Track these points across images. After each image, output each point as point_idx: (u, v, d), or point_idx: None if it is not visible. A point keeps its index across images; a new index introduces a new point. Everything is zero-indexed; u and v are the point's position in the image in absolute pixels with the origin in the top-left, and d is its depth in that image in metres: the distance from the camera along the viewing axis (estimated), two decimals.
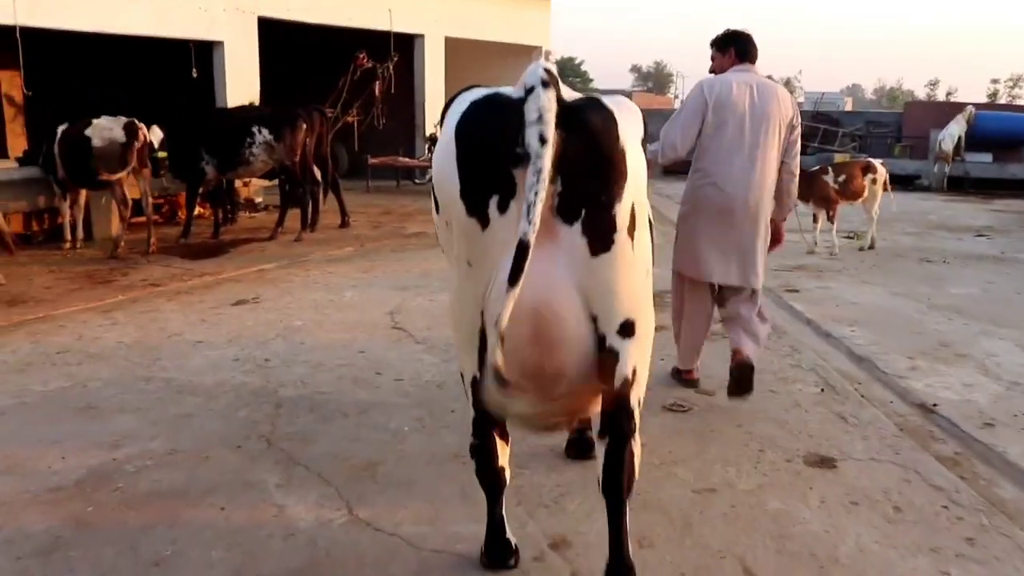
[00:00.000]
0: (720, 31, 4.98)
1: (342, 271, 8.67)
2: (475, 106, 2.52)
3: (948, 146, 18.49)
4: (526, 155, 2.28)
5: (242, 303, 7.25)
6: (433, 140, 17.09)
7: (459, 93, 2.71)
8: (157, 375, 5.35)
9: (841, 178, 9.93)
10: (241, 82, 13.93)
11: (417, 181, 17.33)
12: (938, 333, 6.47)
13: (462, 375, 2.90)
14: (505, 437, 2.95)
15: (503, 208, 2.41)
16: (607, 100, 2.57)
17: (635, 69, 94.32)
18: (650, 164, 3.18)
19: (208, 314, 6.89)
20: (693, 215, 4.81)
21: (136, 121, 8.90)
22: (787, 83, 73.96)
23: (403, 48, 17.54)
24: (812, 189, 9.52)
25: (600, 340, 2.55)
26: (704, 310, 4.98)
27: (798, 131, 4.79)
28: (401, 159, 16.30)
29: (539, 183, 2.24)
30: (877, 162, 10.41)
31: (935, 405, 4.86)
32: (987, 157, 19.34)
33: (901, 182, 17.04)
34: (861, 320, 6.80)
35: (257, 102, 13.56)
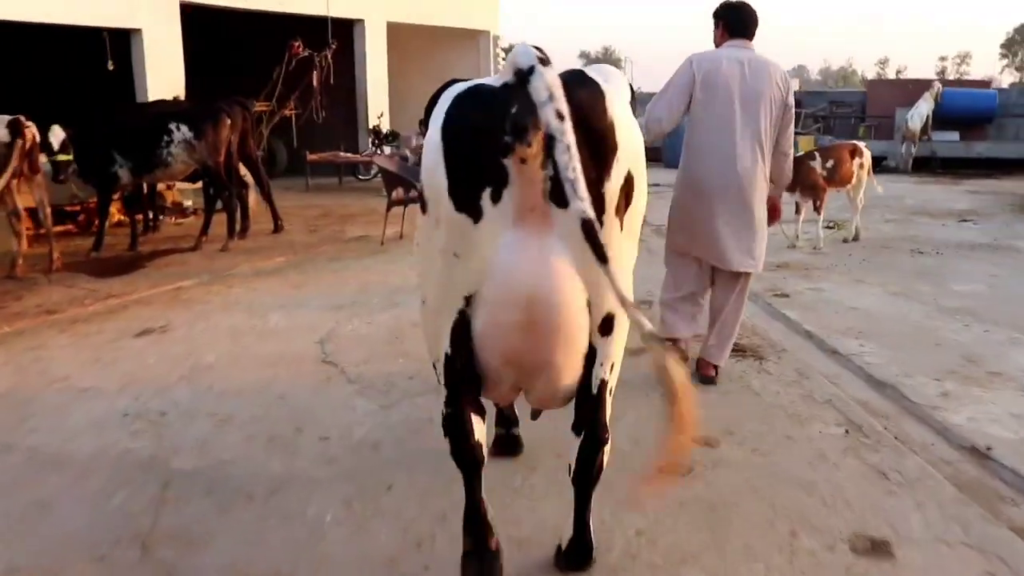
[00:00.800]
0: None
1: (270, 287, 7.58)
2: (458, 100, 2.44)
3: (916, 125, 17.82)
4: (523, 142, 2.15)
5: (147, 333, 6.14)
6: (377, 133, 15.98)
7: (442, 89, 2.68)
8: (21, 442, 4.24)
9: (829, 163, 9.05)
10: (163, 74, 12.70)
11: (361, 177, 16.22)
12: (959, 345, 5.58)
13: (434, 365, 2.81)
14: (480, 412, 2.78)
15: (496, 199, 2.32)
16: (592, 72, 2.50)
17: (584, 55, 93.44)
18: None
19: (104, 350, 5.77)
20: (685, 194, 4.73)
21: (22, 119, 7.68)
22: None
23: (342, 35, 16.39)
24: (799, 176, 8.58)
25: (589, 333, 2.52)
26: (696, 282, 4.86)
27: (792, 110, 4.63)
28: (343, 154, 15.15)
29: (572, 158, 2.11)
30: (862, 144, 9.53)
31: (989, 448, 3.94)
32: (954, 136, 18.72)
33: None
34: (867, 330, 5.89)
35: (182, 96, 12.33)
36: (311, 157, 14.82)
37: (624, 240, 2.54)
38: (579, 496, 2.85)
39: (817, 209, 9.10)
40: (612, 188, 2.39)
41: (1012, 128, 19.38)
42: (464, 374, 2.61)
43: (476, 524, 2.83)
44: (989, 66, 66.73)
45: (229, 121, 9.28)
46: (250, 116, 10.15)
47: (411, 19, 17.57)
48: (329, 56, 15.82)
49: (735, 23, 4.63)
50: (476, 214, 2.35)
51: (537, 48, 2.21)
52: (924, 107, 17.80)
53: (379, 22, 17.05)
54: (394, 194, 9.34)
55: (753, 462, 3.82)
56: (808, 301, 6.79)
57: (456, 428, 2.74)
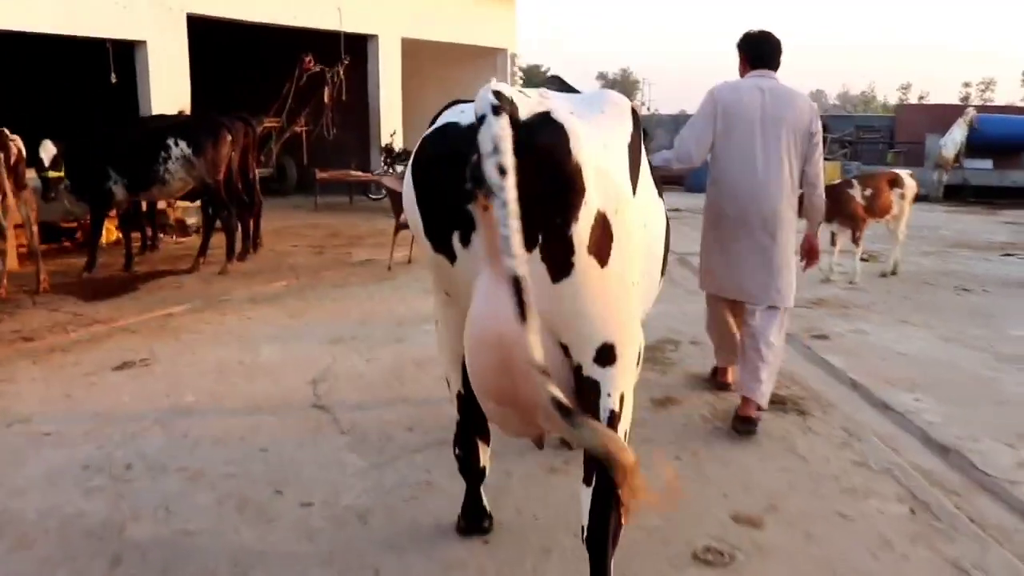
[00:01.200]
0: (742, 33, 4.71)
1: (266, 315, 7.05)
2: (428, 140, 2.47)
3: (950, 152, 17.19)
4: (482, 190, 2.14)
5: (127, 366, 5.61)
6: (389, 151, 15.50)
7: (442, 110, 2.62)
8: None
9: (867, 192, 8.45)
10: (168, 88, 12.18)
11: (372, 196, 15.71)
12: None
13: (448, 382, 2.97)
14: (486, 440, 3.11)
15: (465, 242, 2.35)
16: (563, 108, 2.38)
17: (601, 76, 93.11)
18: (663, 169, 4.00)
19: (78, 384, 5.25)
20: (710, 227, 4.67)
21: (6, 132, 7.21)
22: None
23: (355, 50, 15.95)
24: (837, 205, 8.04)
25: (576, 370, 2.50)
26: (726, 328, 4.94)
27: (818, 139, 4.49)
28: (353, 172, 14.64)
29: (508, 215, 2.09)
30: (905, 174, 8.92)
31: None
32: (987, 163, 18.08)
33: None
34: (920, 381, 5.29)
35: (188, 111, 11.86)
36: (320, 175, 14.35)
37: (612, 279, 2.44)
38: (595, 564, 2.64)
39: (855, 240, 8.50)
40: (580, 229, 2.32)
41: None
42: (474, 410, 2.74)
43: (473, 509, 3.30)
44: (1012, 92, 65.67)
45: (230, 137, 8.79)
46: (253, 132, 9.64)
47: (426, 36, 17.13)
48: (341, 72, 15.39)
49: (757, 54, 4.60)
50: (450, 255, 2.40)
51: (497, 94, 2.15)
52: (958, 133, 17.18)
53: (393, 38, 16.61)
54: (401, 217, 8.82)
55: (804, 550, 3.24)
56: (850, 345, 6.19)
57: (464, 451, 3.10)
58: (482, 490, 3.30)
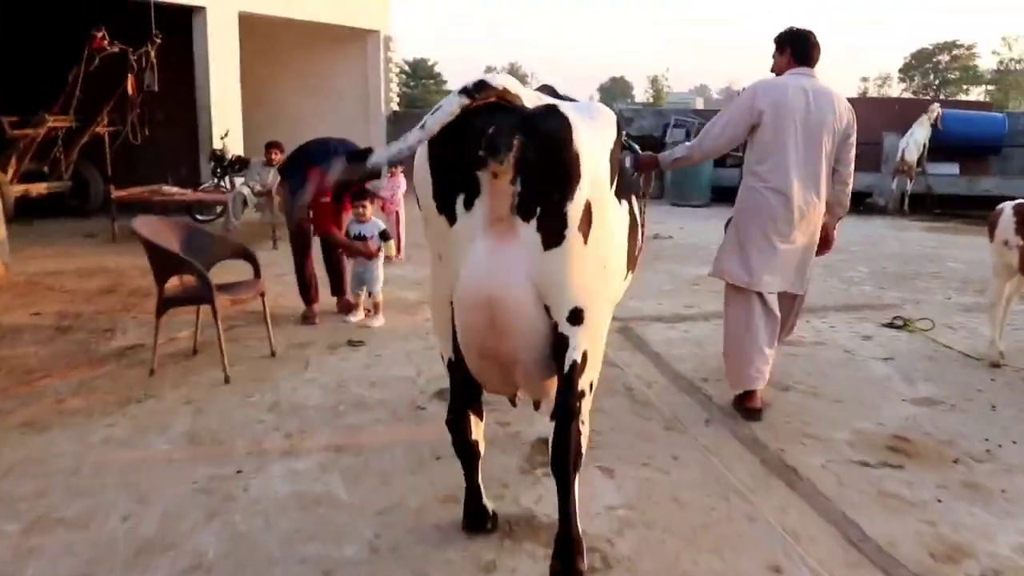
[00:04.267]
0: (782, 29, 4.74)
1: None
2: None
3: (912, 155, 14.40)
4: (496, 158, 2.44)
5: None
6: (220, 159, 11.66)
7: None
8: None
9: None
10: None
11: (200, 218, 11.79)
12: None
13: (441, 355, 3.13)
14: (479, 414, 3.21)
15: (468, 206, 2.62)
16: (567, 107, 2.68)
17: (489, 70, 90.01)
18: (684, 160, 4.75)
19: None
20: (746, 222, 4.63)
21: None
22: (654, 81, 71.08)
23: (177, 27, 12.12)
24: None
25: (553, 327, 2.75)
26: (755, 318, 4.62)
27: (853, 139, 4.60)
28: (167, 188, 10.76)
29: (421, 132, 2.47)
30: None
31: None
32: (953, 168, 15.38)
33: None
34: None
35: None
36: (116, 194, 10.43)
37: (590, 255, 2.74)
38: (560, 483, 2.90)
39: None
40: (575, 208, 2.63)
41: (1019, 160, 16.17)
42: (466, 379, 3.02)
43: (474, 505, 3.32)
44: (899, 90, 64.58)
45: None
46: None
47: (271, 10, 13.37)
48: (152, 54, 11.46)
49: (802, 51, 4.60)
50: (452, 217, 2.67)
51: (481, 82, 2.50)
52: (920, 133, 14.40)
53: (227, 12, 12.77)
54: (169, 285, 5.12)
55: None
56: None
57: (458, 429, 3.15)
58: (481, 484, 3.29)
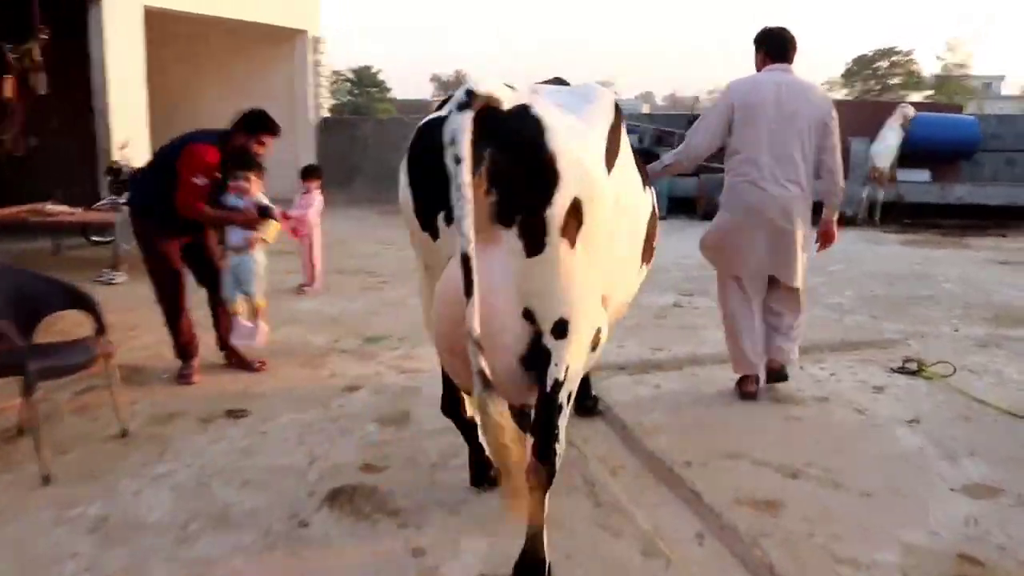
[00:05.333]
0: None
1: None
2: (420, 130, 2.68)
3: (885, 162, 13.41)
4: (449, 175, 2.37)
5: None
6: (116, 173, 10.24)
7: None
8: None
9: None
10: None
11: (95, 239, 10.36)
12: None
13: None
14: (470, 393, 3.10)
15: (449, 221, 2.52)
16: (546, 104, 2.62)
17: (435, 78, 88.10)
18: (674, 167, 4.86)
19: None
20: (726, 213, 4.84)
21: None
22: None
23: (71, 22, 10.69)
24: None
25: (536, 336, 2.66)
26: (747, 305, 4.86)
27: (832, 126, 4.67)
28: (51, 207, 9.29)
29: (463, 198, 2.34)
30: None
31: None
32: (924, 175, 14.45)
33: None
34: None
35: None
36: None
37: (577, 262, 2.65)
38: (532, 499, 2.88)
39: None
40: (555, 212, 2.54)
41: (990, 166, 15.29)
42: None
43: (478, 460, 3.55)
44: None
45: None
46: None
47: (180, 5, 11.93)
48: (37, 52, 10.01)
49: (776, 49, 4.76)
50: (434, 233, 2.66)
51: (470, 92, 2.40)
52: (892, 137, 13.40)
53: (129, 5, 11.32)
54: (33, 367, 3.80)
55: None
56: None
57: (452, 408, 3.37)
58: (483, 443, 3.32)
